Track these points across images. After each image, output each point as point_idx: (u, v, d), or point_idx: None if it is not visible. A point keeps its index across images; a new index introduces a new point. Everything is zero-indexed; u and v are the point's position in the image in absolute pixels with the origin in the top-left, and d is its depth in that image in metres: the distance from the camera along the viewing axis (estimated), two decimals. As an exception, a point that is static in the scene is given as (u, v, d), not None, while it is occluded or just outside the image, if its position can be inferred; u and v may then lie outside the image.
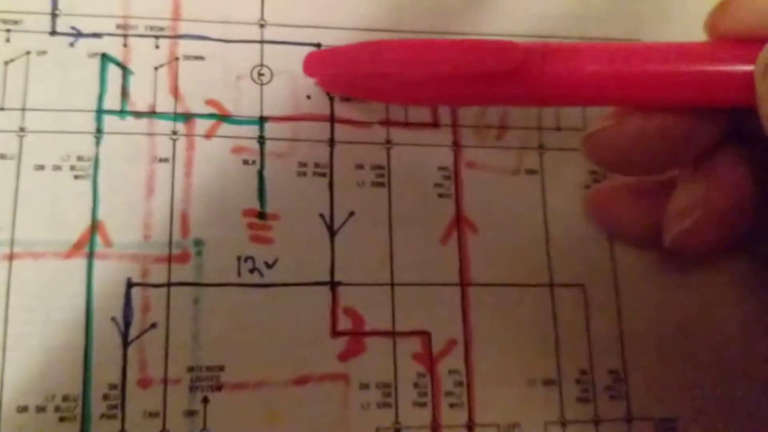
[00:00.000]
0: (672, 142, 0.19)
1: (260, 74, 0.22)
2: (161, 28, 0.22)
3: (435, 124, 0.23)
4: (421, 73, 0.20)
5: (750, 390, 0.22)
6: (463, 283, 0.22)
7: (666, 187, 0.21)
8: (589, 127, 0.21)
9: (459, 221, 0.22)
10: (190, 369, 0.20)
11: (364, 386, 0.21)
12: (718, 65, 0.18)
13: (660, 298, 0.23)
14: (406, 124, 0.23)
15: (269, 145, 0.22)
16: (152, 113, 0.21)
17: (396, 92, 0.21)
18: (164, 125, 0.21)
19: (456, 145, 0.23)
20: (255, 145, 0.22)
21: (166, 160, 0.21)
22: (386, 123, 0.23)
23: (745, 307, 0.23)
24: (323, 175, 0.22)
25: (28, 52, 0.21)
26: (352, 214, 0.22)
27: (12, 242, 0.20)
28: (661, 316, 0.22)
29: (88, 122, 0.21)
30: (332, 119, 0.22)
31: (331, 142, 0.22)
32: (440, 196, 0.22)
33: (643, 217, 0.22)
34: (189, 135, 0.21)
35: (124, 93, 0.21)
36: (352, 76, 0.21)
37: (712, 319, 0.23)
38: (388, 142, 0.22)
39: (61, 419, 0.19)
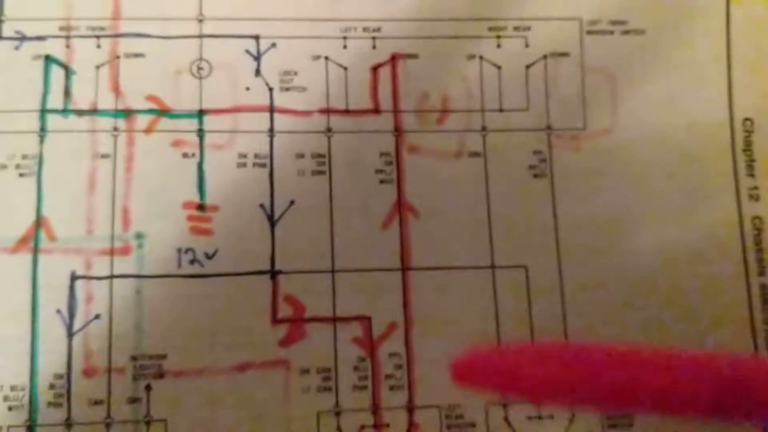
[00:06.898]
0: None
1: (199, 68, 0.22)
2: (102, 28, 0.22)
3: (376, 110, 0.23)
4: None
5: None
6: (404, 268, 0.22)
7: None
8: None
9: (400, 206, 0.22)
10: (133, 358, 0.21)
11: (305, 371, 0.21)
12: None
13: (603, 278, 0.23)
14: (347, 112, 0.23)
15: (208, 138, 0.22)
16: (94, 111, 0.22)
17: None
18: (105, 122, 0.22)
19: (397, 131, 0.23)
20: (194, 138, 0.22)
21: (107, 156, 0.22)
22: (327, 111, 0.23)
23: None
24: (263, 165, 0.22)
25: (-25, 58, 0.22)
26: (292, 203, 0.22)
27: (-39, 240, 0.21)
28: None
29: (33, 122, 0.22)
30: (272, 109, 0.23)
31: (271, 133, 0.22)
32: (381, 182, 0.23)
33: None
34: (129, 131, 0.22)
35: (67, 92, 0.22)
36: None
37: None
38: (329, 130, 0.23)
39: (9, 408, 0.20)
